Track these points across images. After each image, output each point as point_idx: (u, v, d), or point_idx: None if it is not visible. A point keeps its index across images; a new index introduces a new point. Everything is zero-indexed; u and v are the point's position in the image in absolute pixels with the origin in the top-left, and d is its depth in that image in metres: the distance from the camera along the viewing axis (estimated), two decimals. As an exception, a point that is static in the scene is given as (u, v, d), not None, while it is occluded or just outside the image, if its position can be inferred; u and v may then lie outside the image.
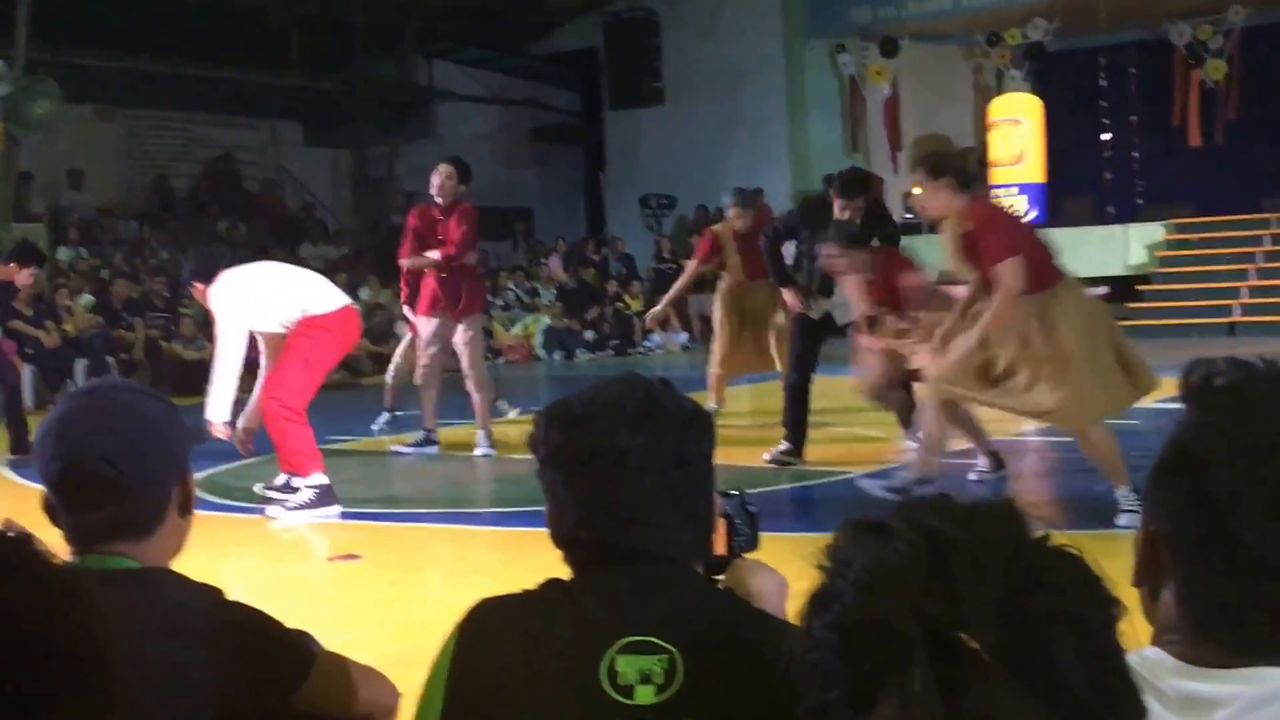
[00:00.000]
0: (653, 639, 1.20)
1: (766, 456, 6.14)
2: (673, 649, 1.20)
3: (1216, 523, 0.92)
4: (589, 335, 15.48)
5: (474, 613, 1.30)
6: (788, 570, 1.46)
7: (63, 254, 13.27)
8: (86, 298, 12.07)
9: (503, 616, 1.27)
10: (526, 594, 1.29)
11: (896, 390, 6.00)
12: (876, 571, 0.67)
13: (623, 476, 1.27)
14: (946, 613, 0.64)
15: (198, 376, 10.52)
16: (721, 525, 1.47)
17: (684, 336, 15.92)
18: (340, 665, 1.57)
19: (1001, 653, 0.63)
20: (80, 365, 11.09)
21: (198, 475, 1.56)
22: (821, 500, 5.69)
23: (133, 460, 1.48)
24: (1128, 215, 15.42)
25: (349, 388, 11.54)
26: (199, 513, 1.66)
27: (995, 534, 0.68)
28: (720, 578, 1.45)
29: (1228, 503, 0.91)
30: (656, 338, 15.55)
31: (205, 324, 12.37)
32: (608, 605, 1.25)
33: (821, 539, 0.77)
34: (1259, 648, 0.91)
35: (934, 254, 5.75)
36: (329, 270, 14.89)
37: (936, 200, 4.70)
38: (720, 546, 1.46)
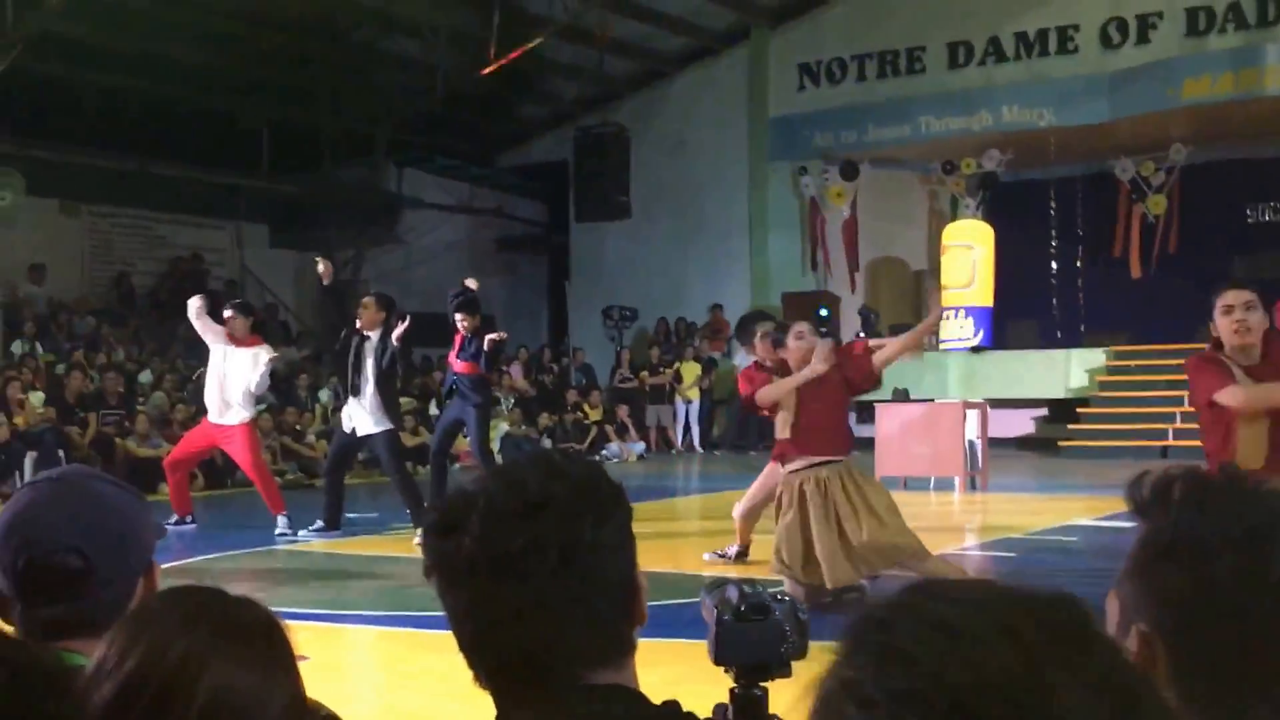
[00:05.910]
0: None
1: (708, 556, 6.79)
2: None
3: (1224, 605, 0.93)
4: (547, 443, 15.52)
5: None
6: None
7: (17, 347, 13.20)
8: (37, 394, 11.98)
9: None
10: None
11: None
12: (977, 658, 0.63)
13: (501, 590, 1.10)
14: (1040, 706, 0.62)
15: (151, 474, 10.50)
16: None
17: (640, 446, 16.02)
18: None
19: None
20: (30, 459, 10.96)
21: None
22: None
23: (102, 552, 1.42)
24: (1071, 341, 15.84)
25: (304, 488, 11.45)
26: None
27: (1103, 666, 0.66)
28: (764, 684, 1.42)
29: (1234, 583, 0.93)
30: (614, 447, 15.62)
31: (161, 422, 12.28)
32: None
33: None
34: None
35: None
36: (290, 372, 14.97)
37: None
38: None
